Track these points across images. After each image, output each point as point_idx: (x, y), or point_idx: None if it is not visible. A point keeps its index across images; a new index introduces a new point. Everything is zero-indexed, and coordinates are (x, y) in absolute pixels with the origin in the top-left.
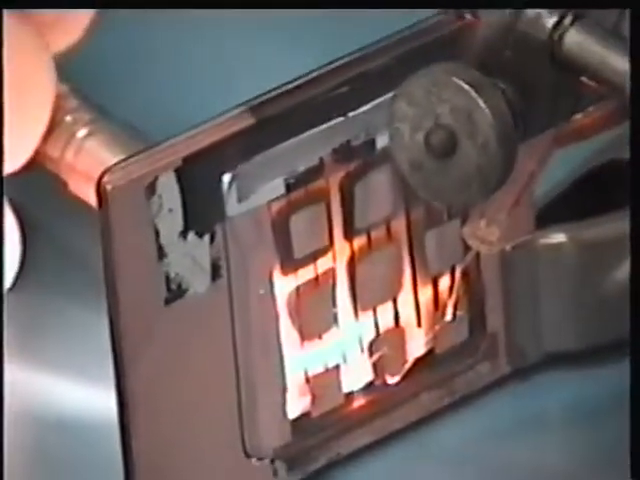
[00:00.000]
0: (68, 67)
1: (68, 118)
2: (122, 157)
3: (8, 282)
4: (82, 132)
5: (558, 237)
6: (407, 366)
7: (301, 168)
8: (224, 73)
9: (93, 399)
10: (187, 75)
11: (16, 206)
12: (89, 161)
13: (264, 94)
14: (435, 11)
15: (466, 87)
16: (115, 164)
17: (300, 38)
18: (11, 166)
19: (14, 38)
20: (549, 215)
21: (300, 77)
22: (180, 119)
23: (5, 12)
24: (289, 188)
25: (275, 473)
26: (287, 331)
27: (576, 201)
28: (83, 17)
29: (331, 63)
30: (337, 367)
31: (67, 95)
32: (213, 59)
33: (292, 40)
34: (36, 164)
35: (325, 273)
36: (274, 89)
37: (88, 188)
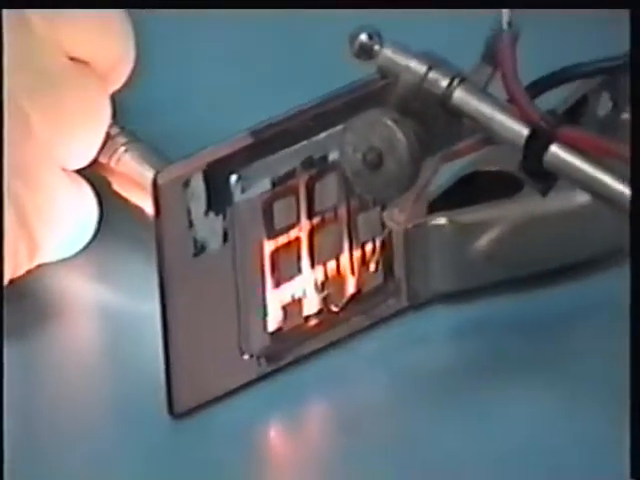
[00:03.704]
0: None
1: (112, 140)
2: (147, 167)
3: (82, 244)
4: (122, 149)
5: (441, 220)
6: (344, 300)
7: (281, 172)
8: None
9: (143, 309)
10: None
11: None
12: (126, 168)
13: (260, 123)
14: (369, 73)
15: (390, 123)
16: (163, 167)
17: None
18: (84, 163)
19: (92, 85)
20: (436, 205)
21: (282, 114)
22: (187, 145)
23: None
24: (274, 185)
25: (259, 364)
26: (269, 276)
27: (454, 196)
28: (127, 67)
29: (302, 105)
30: (300, 299)
31: (112, 124)
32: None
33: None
34: (94, 166)
35: (295, 240)
36: (266, 120)
37: (125, 187)
